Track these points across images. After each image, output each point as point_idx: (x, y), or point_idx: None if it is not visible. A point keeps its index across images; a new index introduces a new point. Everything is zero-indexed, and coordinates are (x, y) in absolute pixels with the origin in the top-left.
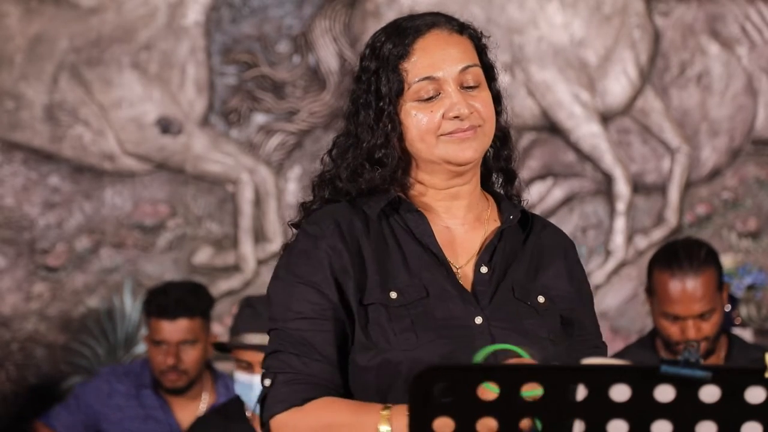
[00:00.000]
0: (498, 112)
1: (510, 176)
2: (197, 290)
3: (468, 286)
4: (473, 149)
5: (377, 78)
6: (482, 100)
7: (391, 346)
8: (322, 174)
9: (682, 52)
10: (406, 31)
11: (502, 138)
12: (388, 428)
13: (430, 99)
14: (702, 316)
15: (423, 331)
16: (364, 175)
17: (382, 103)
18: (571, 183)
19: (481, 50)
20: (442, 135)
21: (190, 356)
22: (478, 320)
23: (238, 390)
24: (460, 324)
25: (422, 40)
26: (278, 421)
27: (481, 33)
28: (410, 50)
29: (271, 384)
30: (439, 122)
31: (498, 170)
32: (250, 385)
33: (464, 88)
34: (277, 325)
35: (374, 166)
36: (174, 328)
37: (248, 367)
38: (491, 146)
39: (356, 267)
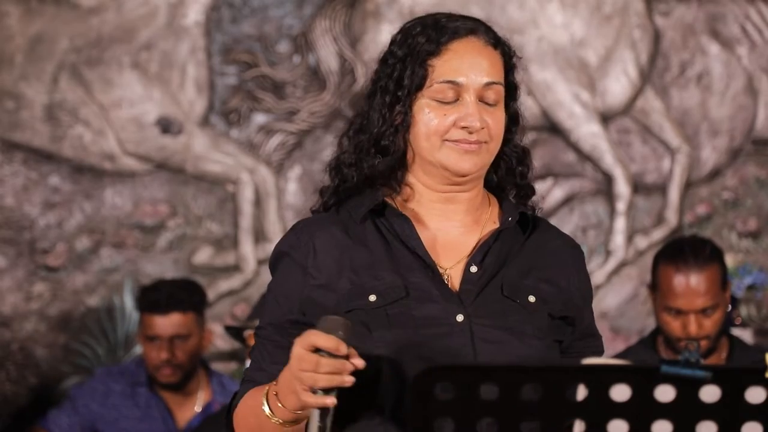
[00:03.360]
0: (514, 132)
1: (525, 192)
2: (189, 285)
3: (456, 286)
4: (473, 163)
5: (402, 66)
6: (496, 118)
7: (365, 345)
8: (338, 157)
9: (682, 52)
10: (443, 29)
11: (518, 156)
12: (267, 407)
13: (446, 102)
14: (704, 312)
15: (399, 328)
16: (368, 160)
17: (400, 93)
18: (571, 183)
19: (509, 69)
20: (447, 140)
21: (184, 351)
22: (459, 318)
23: None
24: (439, 322)
25: (457, 43)
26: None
27: (514, 52)
28: (443, 49)
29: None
30: (449, 127)
31: (511, 185)
32: None
33: (482, 101)
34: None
35: (378, 154)
36: (166, 323)
37: None
38: (505, 162)
39: (335, 278)
